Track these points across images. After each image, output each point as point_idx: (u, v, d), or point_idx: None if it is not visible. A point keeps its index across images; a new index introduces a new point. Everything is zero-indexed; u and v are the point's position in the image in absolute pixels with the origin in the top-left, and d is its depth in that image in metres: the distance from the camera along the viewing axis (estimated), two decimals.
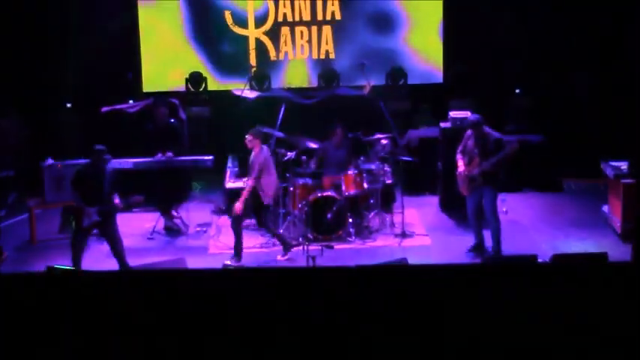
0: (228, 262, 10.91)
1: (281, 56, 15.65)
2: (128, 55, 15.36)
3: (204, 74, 15.26)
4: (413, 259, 9.74)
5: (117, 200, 10.46)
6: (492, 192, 11.18)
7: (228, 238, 11.99)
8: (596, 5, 14.90)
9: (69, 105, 14.94)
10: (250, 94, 14.18)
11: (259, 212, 11.45)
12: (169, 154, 12.52)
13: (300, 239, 11.55)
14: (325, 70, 15.44)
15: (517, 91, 15.19)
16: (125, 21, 15.29)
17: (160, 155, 12.55)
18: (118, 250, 10.58)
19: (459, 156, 11.42)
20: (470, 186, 11.24)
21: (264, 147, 11.50)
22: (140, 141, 12.94)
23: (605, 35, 14.99)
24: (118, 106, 13.92)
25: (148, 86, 15.44)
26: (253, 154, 11.43)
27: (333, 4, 15.57)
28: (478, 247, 11.45)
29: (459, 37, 15.51)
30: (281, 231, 11.89)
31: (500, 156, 10.98)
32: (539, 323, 5.23)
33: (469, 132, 11.35)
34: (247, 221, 12.74)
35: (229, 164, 14.14)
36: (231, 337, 5.29)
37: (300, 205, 11.95)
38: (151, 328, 5.31)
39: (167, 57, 15.55)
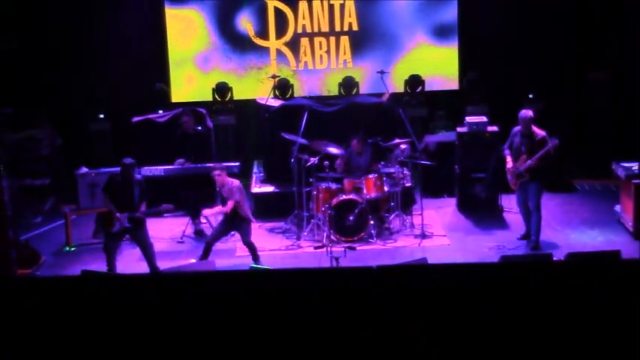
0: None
1: (301, 66, 16.00)
2: (158, 67, 15.64)
3: (230, 84, 15.57)
4: (432, 259, 9.87)
5: (143, 208, 10.85)
6: (537, 188, 11.62)
7: (255, 241, 12.11)
8: (606, 7, 15.04)
9: (101, 115, 15.22)
10: (274, 103, 14.37)
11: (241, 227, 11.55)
12: (188, 164, 12.76)
13: (324, 241, 11.76)
14: (345, 78, 15.71)
15: (530, 95, 15.40)
16: (154, 33, 15.59)
17: (180, 161, 12.79)
18: (148, 255, 10.94)
19: (506, 152, 11.83)
20: (517, 181, 11.68)
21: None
22: (168, 149, 13.18)
23: (616, 36, 15.09)
24: (149, 116, 14.23)
25: (176, 97, 15.76)
26: (226, 185, 11.36)
27: (350, 16, 15.88)
28: (527, 236, 11.90)
29: (474, 44, 15.73)
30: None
31: (542, 152, 11.40)
32: (554, 319, 5.42)
33: (516, 129, 11.72)
34: (273, 224, 13.08)
35: (255, 170, 14.43)
36: (258, 335, 5.49)
37: (323, 209, 12.16)
38: (181, 328, 5.52)
39: (194, 68, 15.87)
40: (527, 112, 11.63)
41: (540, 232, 11.72)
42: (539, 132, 11.56)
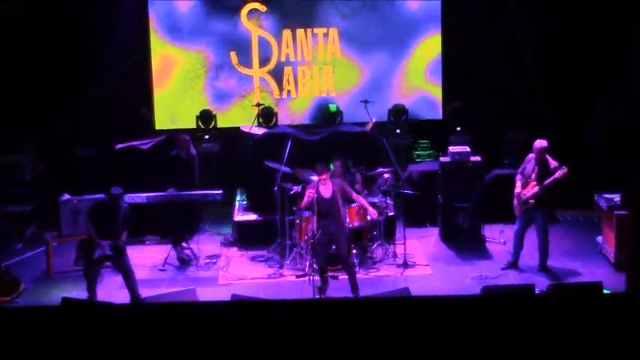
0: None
1: (284, 94, 16.04)
2: (142, 94, 15.60)
3: (214, 112, 15.56)
4: (415, 288, 10.02)
5: (124, 237, 10.87)
6: (544, 216, 11.88)
7: (237, 269, 12.34)
8: (591, 39, 15.14)
9: (84, 141, 15.10)
10: (258, 131, 14.38)
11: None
12: (171, 190, 12.67)
13: (307, 270, 11.72)
14: (326, 107, 15.74)
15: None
16: (139, 61, 15.55)
17: (171, 190, 12.71)
18: (130, 283, 10.95)
19: (517, 177, 12.04)
20: (522, 207, 11.86)
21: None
22: (152, 175, 13.14)
23: (600, 68, 15.12)
24: (132, 143, 14.19)
25: (160, 124, 15.71)
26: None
27: (333, 44, 15.94)
28: (513, 265, 12.06)
29: (457, 74, 15.79)
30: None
31: (550, 180, 11.60)
32: (536, 350, 5.44)
33: (530, 156, 11.91)
34: (256, 252, 13.01)
35: (238, 198, 14.38)
36: None
37: (306, 237, 12.11)
38: (162, 358, 5.52)
39: (178, 96, 15.85)
40: (541, 142, 11.81)
41: (548, 256, 11.97)
42: (553, 162, 11.77)
